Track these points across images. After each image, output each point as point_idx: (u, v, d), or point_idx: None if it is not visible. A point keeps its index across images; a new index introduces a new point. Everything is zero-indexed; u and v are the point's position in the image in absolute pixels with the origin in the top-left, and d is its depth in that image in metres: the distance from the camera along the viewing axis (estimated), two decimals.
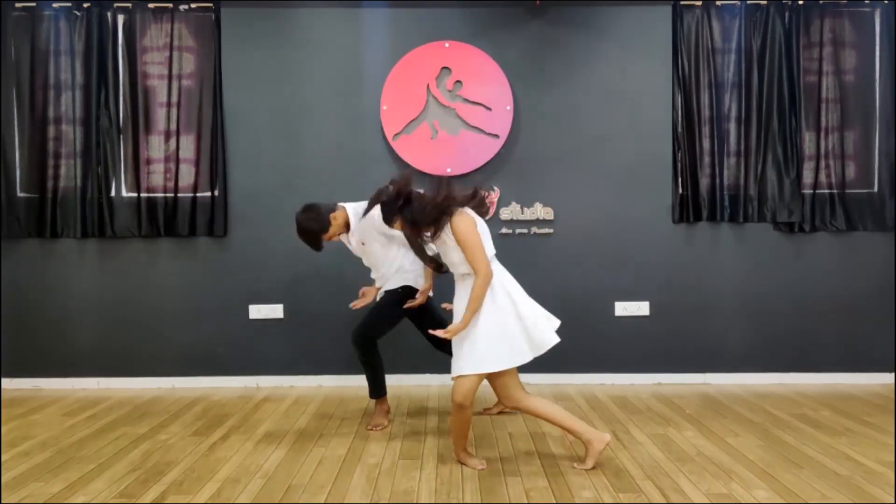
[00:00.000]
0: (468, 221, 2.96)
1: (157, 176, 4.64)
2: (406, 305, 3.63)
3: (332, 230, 3.62)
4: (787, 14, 4.59)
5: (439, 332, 3.01)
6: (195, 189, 4.61)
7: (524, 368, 4.63)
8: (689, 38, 4.60)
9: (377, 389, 3.78)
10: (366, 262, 3.88)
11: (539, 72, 4.62)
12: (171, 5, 4.56)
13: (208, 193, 4.61)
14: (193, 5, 4.59)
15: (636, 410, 4.00)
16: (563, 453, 3.27)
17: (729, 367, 4.66)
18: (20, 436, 3.60)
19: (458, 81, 4.57)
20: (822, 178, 4.64)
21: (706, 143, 4.61)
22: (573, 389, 4.49)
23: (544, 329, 3.08)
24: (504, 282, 3.03)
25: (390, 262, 3.71)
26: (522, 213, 4.60)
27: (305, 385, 4.64)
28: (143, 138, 4.61)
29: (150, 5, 4.56)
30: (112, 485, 2.91)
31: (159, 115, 4.61)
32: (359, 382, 4.59)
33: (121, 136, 4.61)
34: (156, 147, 4.63)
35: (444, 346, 3.46)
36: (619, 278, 4.65)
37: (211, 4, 4.57)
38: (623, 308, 4.65)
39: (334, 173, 4.61)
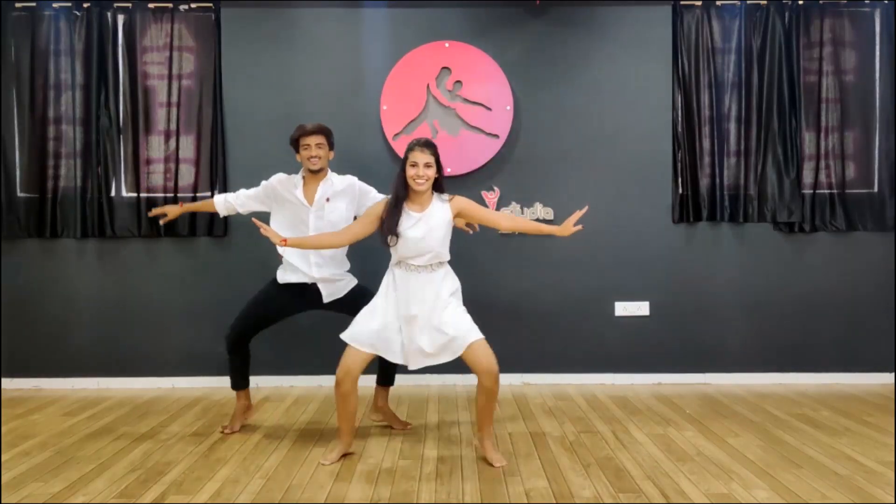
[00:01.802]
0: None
1: (157, 176, 4.64)
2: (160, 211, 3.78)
3: (302, 153, 3.53)
4: (787, 14, 4.59)
5: None
6: (195, 189, 4.61)
7: (527, 368, 4.65)
8: (689, 38, 4.60)
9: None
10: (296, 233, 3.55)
11: (539, 72, 4.62)
12: (171, 5, 4.56)
13: (208, 193, 4.60)
14: (193, 5, 4.59)
15: (636, 410, 4.00)
16: (564, 453, 3.27)
17: (729, 367, 4.66)
18: (20, 436, 3.60)
19: (458, 81, 4.57)
20: (822, 178, 4.64)
21: (706, 143, 4.61)
22: (573, 389, 4.49)
23: None
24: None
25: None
26: (522, 213, 4.60)
27: (305, 385, 4.64)
28: (143, 138, 4.61)
29: (150, 5, 4.56)
30: (112, 485, 2.91)
31: (159, 115, 4.61)
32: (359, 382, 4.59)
33: (121, 136, 4.61)
34: (156, 147, 4.63)
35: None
36: (619, 278, 4.64)
37: (211, 4, 4.57)
38: (623, 308, 4.65)
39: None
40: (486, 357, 3.03)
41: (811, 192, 4.64)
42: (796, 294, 4.64)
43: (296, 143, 3.58)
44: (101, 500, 2.76)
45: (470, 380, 4.61)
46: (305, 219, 3.53)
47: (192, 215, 4.59)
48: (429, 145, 3.10)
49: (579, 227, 3.18)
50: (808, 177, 4.67)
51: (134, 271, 4.65)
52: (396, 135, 4.56)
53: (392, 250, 3.17)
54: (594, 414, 3.93)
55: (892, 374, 4.62)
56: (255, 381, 4.62)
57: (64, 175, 4.60)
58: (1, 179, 4.57)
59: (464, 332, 3.06)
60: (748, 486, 2.85)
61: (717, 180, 4.59)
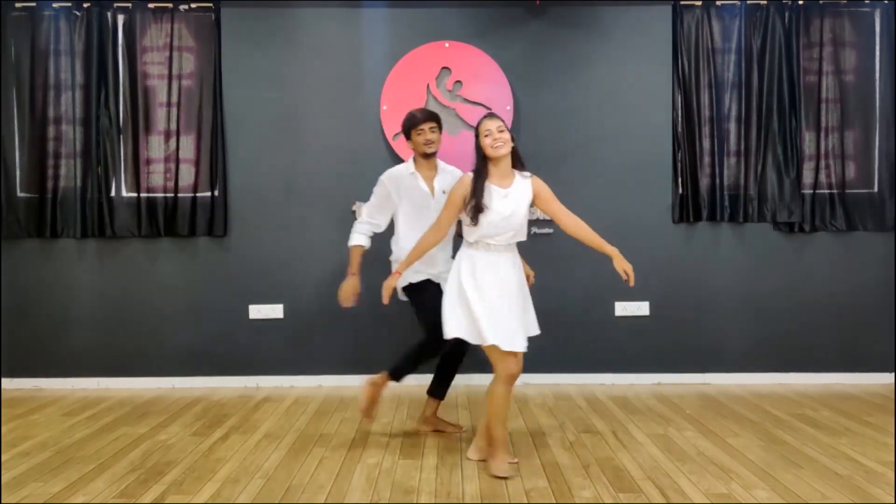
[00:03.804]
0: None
1: (157, 176, 4.64)
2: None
3: (417, 139, 3.49)
4: (787, 14, 4.59)
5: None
6: (195, 189, 4.61)
7: (527, 368, 4.64)
8: (689, 38, 4.60)
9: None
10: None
11: (539, 72, 4.62)
12: (171, 5, 4.56)
13: (208, 193, 4.61)
14: (193, 5, 4.59)
15: (636, 410, 4.00)
16: (564, 453, 3.27)
17: (729, 367, 4.66)
18: (20, 436, 3.60)
19: (458, 81, 4.57)
20: (822, 178, 4.64)
21: (706, 143, 4.61)
22: (573, 389, 4.49)
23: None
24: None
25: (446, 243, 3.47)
26: None
27: (305, 385, 4.64)
28: (143, 138, 4.61)
29: (150, 5, 4.56)
30: (112, 485, 2.91)
31: (159, 115, 4.61)
32: (359, 382, 4.59)
33: (121, 136, 4.61)
34: (156, 147, 4.63)
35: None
36: (619, 278, 4.61)
37: (211, 4, 4.57)
38: (623, 308, 4.65)
39: (334, 173, 4.61)
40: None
41: (811, 192, 4.64)
42: (796, 294, 4.64)
43: (407, 132, 3.54)
44: (101, 500, 2.76)
45: (471, 379, 4.61)
46: (429, 204, 3.49)
47: (192, 215, 4.58)
48: (495, 115, 3.12)
49: (629, 271, 3.11)
50: (808, 177, 4.67)
51: (134, 271, 4.65)
52: (396, 135, 4.55)
53: (470, 230, 3.05)
54: (594, 414, 3.93)
55: (892, 374, 4.62)
56: (255, 380, 4.65)
57: (64, 175, 4.60)
58: (1, 179, 4.57)
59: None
60: (748, 486, 2.85)
61: (717, 180, 4.59)
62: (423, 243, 3.15)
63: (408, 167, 3.59)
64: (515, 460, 3.13)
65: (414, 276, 3.46)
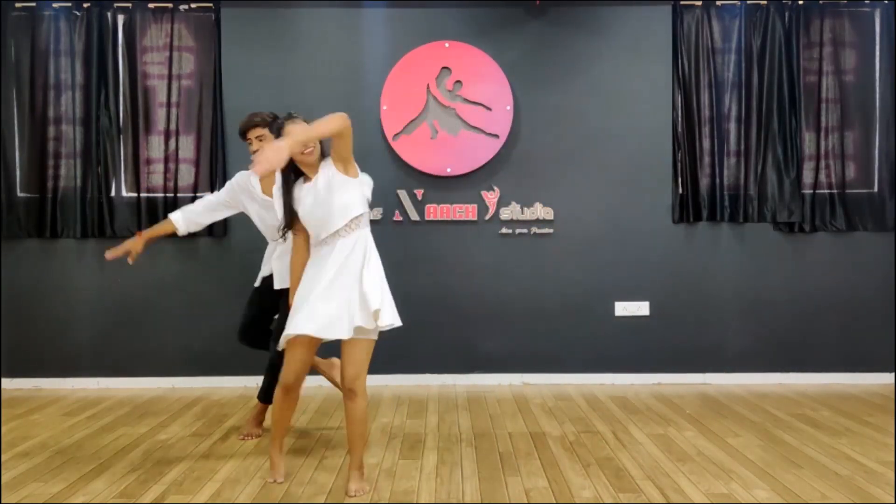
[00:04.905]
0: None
1: (157, 176, 4.64)
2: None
3: (250, 150, 3.36)
4: (787, 14, 4.60)
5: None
6: (195, 189, 4.61)
7: (527, 368, 4.65)
8: (689, 38, 4.60)
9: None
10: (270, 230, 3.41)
11: (539, 72, 4.62)
12: (171, 5, 4.56)
13: (208, 193, 4.60)
14: (193, 5, 4.59)
15: (636, 410, 4.00)
16: (564, 453, 3.27)
17: (729, 367, 4.66)
18: (20, 436, 3.60)
19: (458, 81, 4.57)
20: (822, 178, 4.64)
21: (706, 143, 4.61)
22: (573, 389, 4.49)
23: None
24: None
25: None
26: (522, 213, 4.60)
27: (305, 385, 4.62)
28: (143, 138, 4.61)
29: (150, 5, 4.56)
30: (112, 485, 2.91)
31: (159, 115, 4.61)
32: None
33: (121, 136, 4.61)
34: (156, 147, 4.63)
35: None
36: (619, 278, 4.64)
37: (211, 4, 4.57)
38: (623, 308, 4.65)
39: None
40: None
41: (811, 192, 4.64)
42: (796, 294, 4.64)
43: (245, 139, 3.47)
44: (101, 500, 2.76)
45: (472, 379, 4.62)
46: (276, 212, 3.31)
47: None
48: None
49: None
50: (808, 177, 4.67)
51: (134, 271, 4.63)
52: (396, 135, 4.56)
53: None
54: (594, 414, 3.93)
55: (892, 374, 4.62)
56: (255, 381, 4.63)
57: (64, 175, 4.60)
58: (1, 179, 4.57)
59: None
60: (748, 486, 2.85)
61: (717, 180, 4.59)
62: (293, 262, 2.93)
63: (252, 178, 3.40)
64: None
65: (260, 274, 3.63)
